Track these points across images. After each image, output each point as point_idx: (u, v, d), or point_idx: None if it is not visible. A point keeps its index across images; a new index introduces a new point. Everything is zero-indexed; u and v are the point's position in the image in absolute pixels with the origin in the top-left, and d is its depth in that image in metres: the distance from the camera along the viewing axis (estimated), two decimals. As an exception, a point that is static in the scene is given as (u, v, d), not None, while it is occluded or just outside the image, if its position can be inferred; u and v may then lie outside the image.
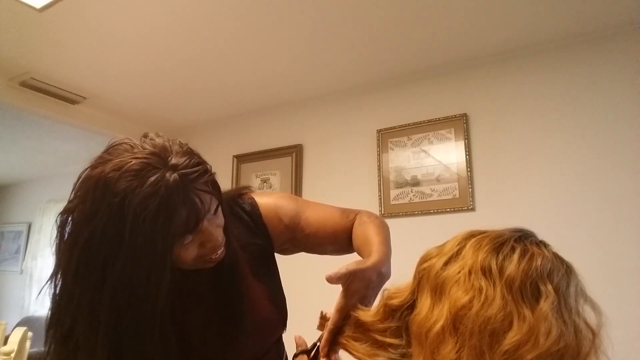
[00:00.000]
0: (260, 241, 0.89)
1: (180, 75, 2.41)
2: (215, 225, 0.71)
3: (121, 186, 0.59)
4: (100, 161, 0.63)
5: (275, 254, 0.96)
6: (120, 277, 0.60)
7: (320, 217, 0.92)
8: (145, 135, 0.68)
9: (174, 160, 0.63)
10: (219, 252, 0.73)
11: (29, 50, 2.18)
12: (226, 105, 2.82)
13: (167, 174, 0.60)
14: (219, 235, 0.71)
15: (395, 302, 0.62)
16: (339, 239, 0.91)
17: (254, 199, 0.93)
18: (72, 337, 0.64)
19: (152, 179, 0.60)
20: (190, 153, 0.67)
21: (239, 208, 0.90)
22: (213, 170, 0.71)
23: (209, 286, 0.81)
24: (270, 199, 0.95)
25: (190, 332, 0.77)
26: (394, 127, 2.35)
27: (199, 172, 0.65)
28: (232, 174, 2.86)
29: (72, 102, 2.71)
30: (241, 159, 2.86)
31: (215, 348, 0.79)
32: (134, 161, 0.61)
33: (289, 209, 0.92)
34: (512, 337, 0.49)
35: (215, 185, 0.70)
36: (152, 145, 0.64)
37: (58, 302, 0.66)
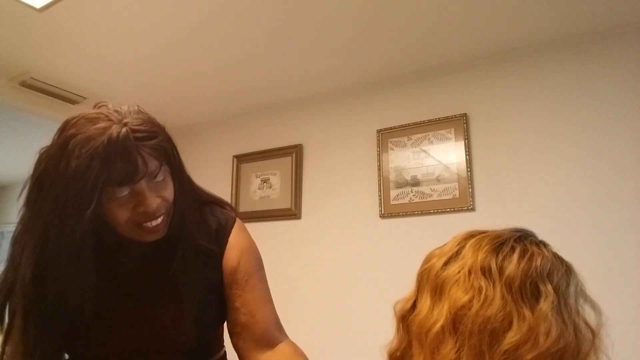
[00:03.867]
0: (214, 249, 0.86)
1: (180, 76, 2.41)
2: (155, 193, 0.72)
3: (75, 127, 0.67)
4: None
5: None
6: (54, 204, 0.67)
7: (258, 303, 0.84)
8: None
9: (128, 119, 0.69)
10: (154, 223, 0.73)
11: (29, 50, 2.17)
12: (226, 105, 2.82)
13: (116, 126, 0.67)
14: (154, 203, 0.72)
15: (401, 306, 0.62)
16: (254, 334, 0.82)
17: (235, 220, 0.90)
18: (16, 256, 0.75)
19: (101, 125, 0.67)
20: (148, 120, 0.72)
21: (211, 214, 0.89)
22: (176, 144, 0.78)
23: (144, 262, 0.82)
24: (247, 238, 0.90)
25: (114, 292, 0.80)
26: (394, 127, 2.35)
27: (147, 133, 0.69)
28: (232, 174, 2.85)
29: (72, 102, 2.70)
30: (241, 159, 2.86)
31: (117, 323, 0.80)
32: (94, 113, 0.69)
33: (248, 266, 0.86)
34: (511, 337, 0.49)
35: (164, 152, 0.73)
36: (118, 107, 0.72)
37: (17, 227, 0.77)
